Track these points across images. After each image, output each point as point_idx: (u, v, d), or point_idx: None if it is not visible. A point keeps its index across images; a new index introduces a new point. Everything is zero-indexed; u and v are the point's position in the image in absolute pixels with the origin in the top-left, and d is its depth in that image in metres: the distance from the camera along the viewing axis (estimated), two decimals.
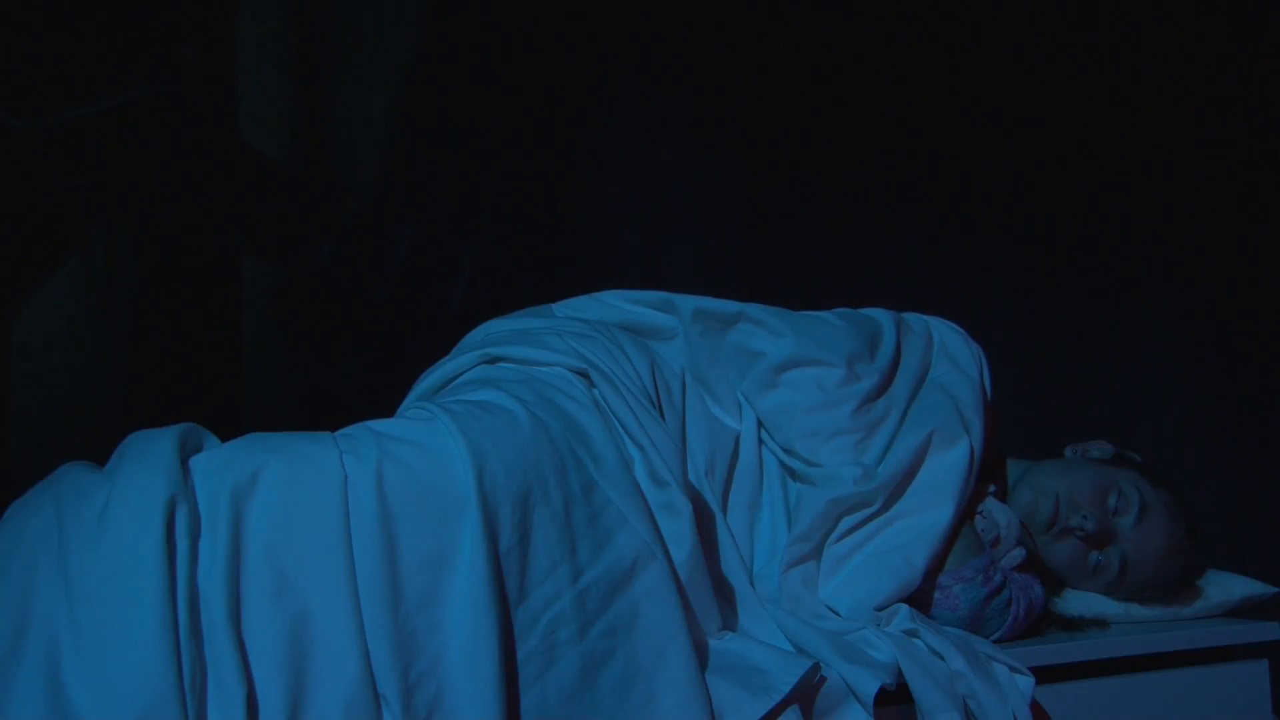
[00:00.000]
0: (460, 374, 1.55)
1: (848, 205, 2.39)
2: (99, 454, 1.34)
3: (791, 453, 1.60)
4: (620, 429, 1.45)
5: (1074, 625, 1.68)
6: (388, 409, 1.55)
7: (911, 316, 1.78)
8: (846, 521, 1.55)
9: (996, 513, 1.66)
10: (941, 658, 1.43)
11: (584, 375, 1.50)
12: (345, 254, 1.56)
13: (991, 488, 1.71)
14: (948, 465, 1.59)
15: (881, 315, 1.74)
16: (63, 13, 1.45)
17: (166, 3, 1.56)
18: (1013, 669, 1.45)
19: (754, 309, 1.65)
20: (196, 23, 1.59)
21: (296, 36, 2.04)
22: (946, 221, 2.45)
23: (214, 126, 1.52)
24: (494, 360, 1.55)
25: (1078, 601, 1.74)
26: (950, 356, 1.74)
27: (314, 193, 1.61)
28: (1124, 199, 2.53)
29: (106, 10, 1.49)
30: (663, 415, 1.52)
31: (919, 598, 1.55)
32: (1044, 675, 1.51)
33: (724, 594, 1.45)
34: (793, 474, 1.61)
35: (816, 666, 1.34)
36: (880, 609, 1.49)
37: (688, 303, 1.63)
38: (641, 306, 1.65)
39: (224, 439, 1.33)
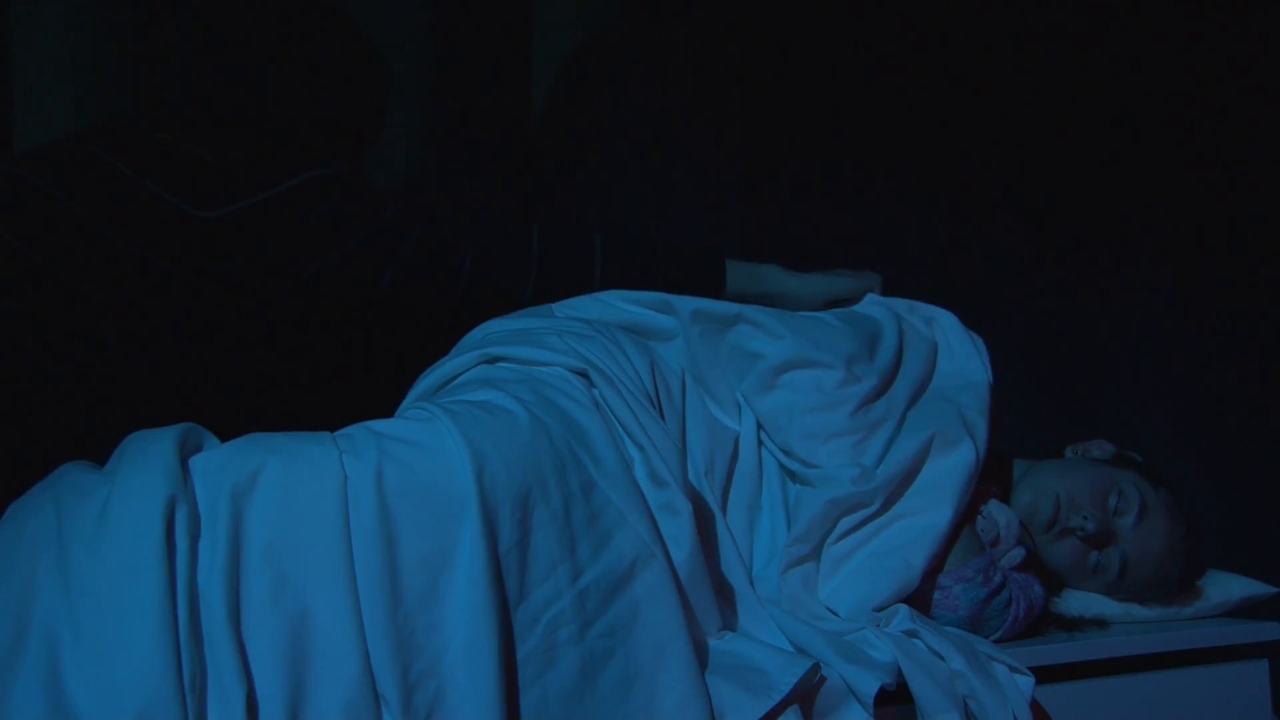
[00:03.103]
0: (460, 374, 1.55)
1: (848, 205, 2.39)
2: (99, 454, 1.34)
3: (790, 454, 1.60)
4: (620, 429, 1.45)
5: (1074, 625, 1.68)
6: (388, 409, 1.55)
7: (916, 314, 1.78)
8: (845, 522, 1.55)
9: (996, 513, 1.66)
10: (941, 658, 1.43)
11: (584, 375, 1.50)
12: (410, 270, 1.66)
13: (993, 488, 1.71)
14: (948, 468, 1.59)
15: (882, 315, 1.74)
16: (239, 134, 1.68)
17: (322, 132, 1.77)
18: (1013, 669, 1.45)
19: (753, 310, 1.65)
20: (347, 151, 1.83)
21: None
22: (947, 221, 2.45)
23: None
24: (493, 360, 1.55)
25: (1078, 601, 1.74)
26: (954, 356, 1.74)
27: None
28: (1124, 199, 2.53)
29: (271, 134, 1.72)
30: (662, 415, 1.52)
31: (919, 598, 1.55)
32: (1044, 675, 1.51)
33: (724, 594, 1.45)
34: (792, 476, 1.61)
35: (816, 666, 1.34)
36: (879, 610, 1.49)
37: (686, 304, 1.63)
38: (640, 307, 1.65)
39: (224, 439, 1.33)
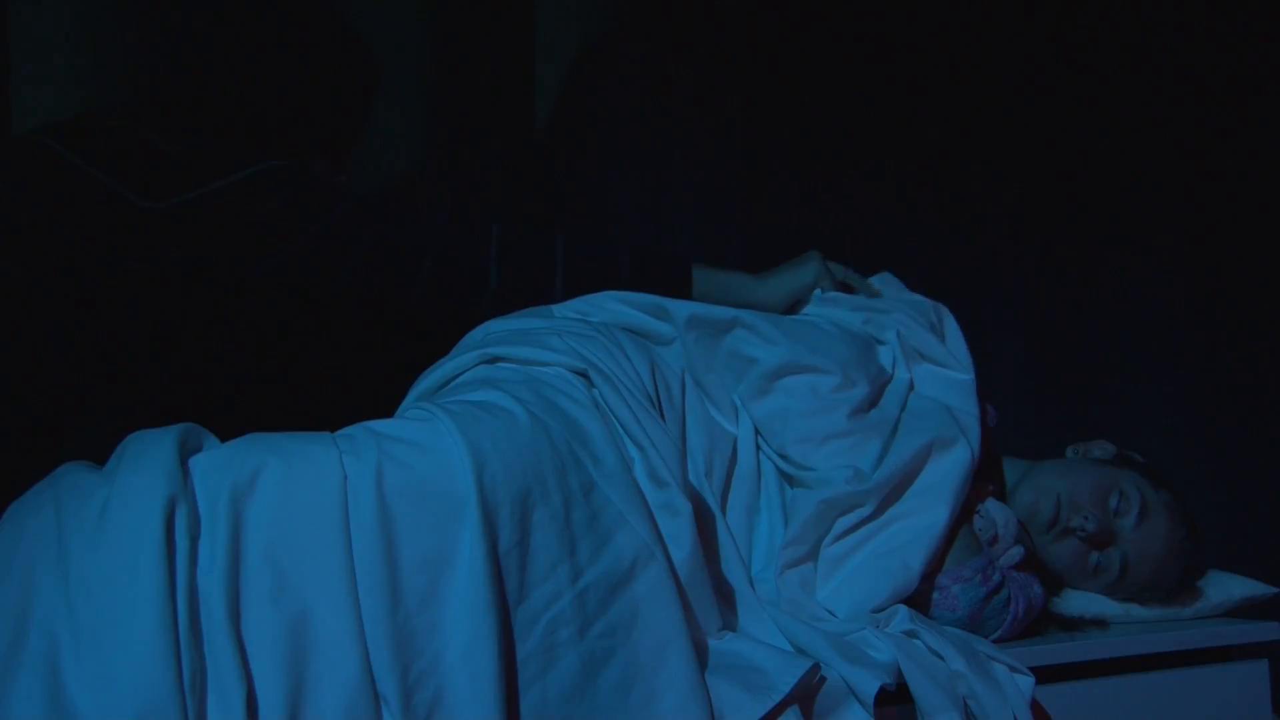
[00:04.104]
0: (460, 374, 1.55)
1: (848, 205, 2.39)
2: (99, 454, 1.34)
3: (786, 458, 1.60)
4: (620, 429, 1.45)
5: (1074, 625, 1.69)
6: (388, 409, 1.55)
7: (885, 328, 1.75)
8: (842, 523, 1.55)
9: (994, 512, 1.66)
10: (941, 658, 1.43)
11: (584, 375, 1.50)
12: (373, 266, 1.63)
13: (990, 487, 1.71)
14: (945, 468, 1.59)
15: (883, 320, 1.74)
16: (199, 122, 1.65)
17: (298, 123, 1.72)
18: (1013, 669, 1.45)
19: (748, 315, 1.65)
20: (326, 144, 1.77)
21: None
22: (947, 221, 2.45)
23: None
24: (493, 360, 1.55)
25: (1078, 601, 1.74)
26: (926, 355, 1.73)
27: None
28: (1125, 198, 2.53)
29: (241, 123, 1.67)
30: (663, 416, 1.52)
31: (918, 598, 1.55)
32: (1044, 675, 1.51)
33: (724, 594, 1.45)
34: (789, 480, 1.61)
35: (816, 667, 1.34)
36: (877, 611, 1.49)
37: (682, 309, 1.63)
38: (637, 311, 1.65)
39: (224, 439, 1.33)
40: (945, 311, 1.78)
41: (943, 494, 1.57)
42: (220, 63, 1.69)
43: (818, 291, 1.78)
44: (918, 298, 1.81)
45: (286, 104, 1.72)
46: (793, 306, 1.79)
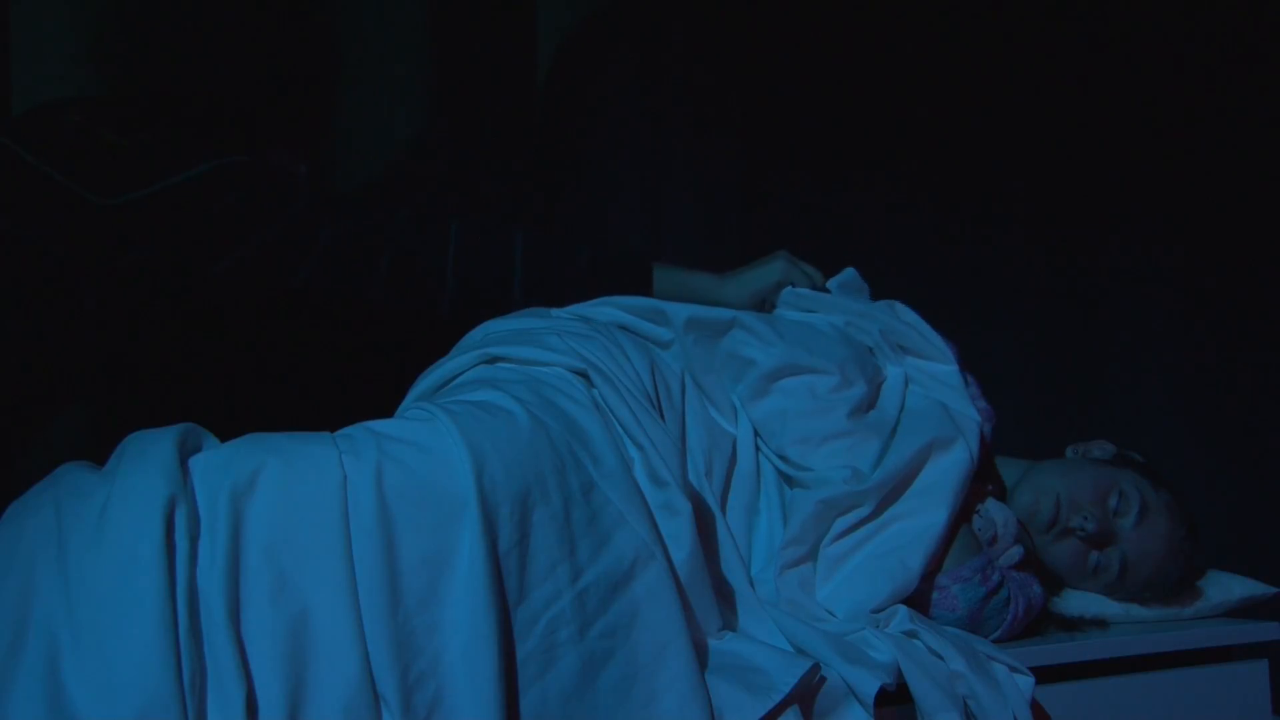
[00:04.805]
0: (459, 374, 1.55)
1: (848, 206, 2.39)
2: (99, 454, 1.34)
3: (785, 459, 1.60)
4: (620, 429, 1.45)
5: (1074, 625, 1.69)
6: (387, 409, 1.55)
7: (866, 331, 1.75)
8: (841, 523, 1.55)
9: (994, 511, 1.66)
10: (941, 658, 1.43)
11: (583, 375, 1.50)
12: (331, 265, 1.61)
13: (989, 487, 1.71)
14: (944, 469, 1.59)
15: (867, 324, 1.74)
16: (152, 113, 1.62)
17: (258, 113, 1.71)
18: (1013, 669, 1.45)
19: (746, 316, 1.65)
20: (288, 134, 1.75)
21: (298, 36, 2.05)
22: (947, 221, 2.45)
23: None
24: (493, 360, 1.55)
25: (1077, 601, 1.74)
26: (910, 349, 1.73)
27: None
28: (1126, 198, 2.53)
29: (197, 115, 1.65)
30: (662, 415, 1.52)
31: (918, 599, 1.55)
32: (1044, 675, 1.51)
33: (724, 594, 1.45)
34: (788, 481, 1.61)
35: (816, 667, 1.34)
36: (877, 611, 1.49)
37: (679, 313, 1.63)
38: (634, 317, 1.65)
39: (224, 439, 1.33)
40: (901, 306, 1.77)
41: (942, 494, 1.57)
42: (176, 52, 1.67)
43: (787, 292, 1.78)
44: (869, 304, 1.80)
45: (243, 92, 1.70)
46: (761, 305, 1.78)
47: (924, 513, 1.56)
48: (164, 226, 1.57)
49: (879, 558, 1.53)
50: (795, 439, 1.59)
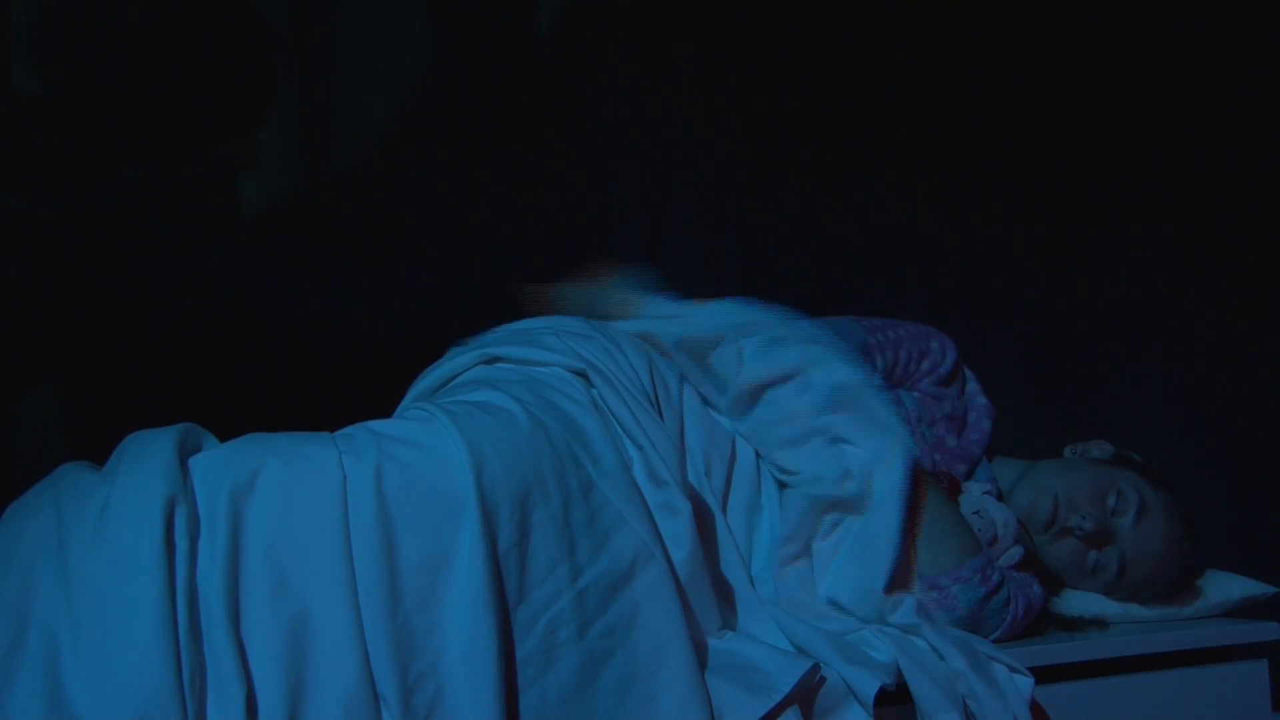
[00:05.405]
0: (458, 374, 1.56)
1: (848, 206, 2.39)
2: (99, 454, 1.34)
3: (776, 465, 1.61)
4: (619, 429, 1.45)
5: (1074, 625, 1.68)
6: (387, 409, 1.55)
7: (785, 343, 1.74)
8: (830, 519, 1.55)
9: (994, 511, 1.66)
10: (941, 657, 1.43)
11: (582, 375, 1.50)
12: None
13: (987, 487, 1.71)
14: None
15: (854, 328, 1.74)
16: (82, 112, 1.58)
17: (195, 106, 1.65)
18: (1012, 669, 1.45)
19: (734, 331, 1.64)
20: (232, 123, 1.70)
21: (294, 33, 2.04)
22: (947, 221, 2.45)
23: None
24: (492, 360, 1.55)
25: (1077, 601, 1.74)
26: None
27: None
28: (1125, 199, 2.53)
29: (131, 112, 1.60)
30: (661, 415, 1.52)
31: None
32: (1044, 675, 1.51)
33: (724, 593, 1.45)
34: (781, 484, 1.62)
35: (816, 666, 1.34)
36: (886, 590, 1.49)
37: (671, 335, 1.63)
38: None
39: (224, 439, 1.33)
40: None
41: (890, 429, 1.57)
42: (117, 49, 1.62)
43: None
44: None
45: (185, 89, 1.64)
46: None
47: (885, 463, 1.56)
48: (76, 236, 1.54)
49: (869, 541, 1.53)
50: (781, 443, 1.59)
